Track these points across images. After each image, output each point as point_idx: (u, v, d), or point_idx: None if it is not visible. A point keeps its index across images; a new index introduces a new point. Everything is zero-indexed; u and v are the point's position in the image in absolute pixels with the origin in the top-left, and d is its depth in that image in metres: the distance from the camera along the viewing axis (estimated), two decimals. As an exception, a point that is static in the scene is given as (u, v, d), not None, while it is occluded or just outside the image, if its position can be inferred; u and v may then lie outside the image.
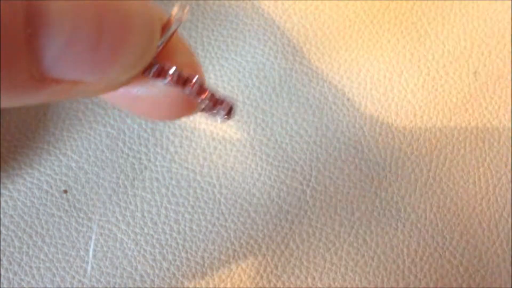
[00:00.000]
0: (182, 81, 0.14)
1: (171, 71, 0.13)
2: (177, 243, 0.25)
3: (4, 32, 0.10)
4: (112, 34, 0.11)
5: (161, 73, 0.13)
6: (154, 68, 0.13)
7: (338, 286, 0.25)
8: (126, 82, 0.13)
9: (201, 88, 0.14)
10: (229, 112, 0.15)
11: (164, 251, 0.24)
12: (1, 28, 0.10)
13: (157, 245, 0.25)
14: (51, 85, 0.11)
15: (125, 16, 0.11)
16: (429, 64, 0.28)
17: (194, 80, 0.14)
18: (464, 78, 0.28)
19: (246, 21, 0.28)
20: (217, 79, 0.27)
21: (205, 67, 0.27)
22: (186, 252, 0.25)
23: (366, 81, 0.27)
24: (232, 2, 0.28)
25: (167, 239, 0.25)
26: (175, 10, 0.13)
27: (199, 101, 0.14)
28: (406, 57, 0.28)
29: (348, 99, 0.27)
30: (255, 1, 0.28)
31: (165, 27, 0.13)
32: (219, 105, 0.15)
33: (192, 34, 0.27)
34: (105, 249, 0.24)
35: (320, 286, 0.25)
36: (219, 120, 0.16)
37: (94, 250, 0.24)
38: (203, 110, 0.15)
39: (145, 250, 0.24)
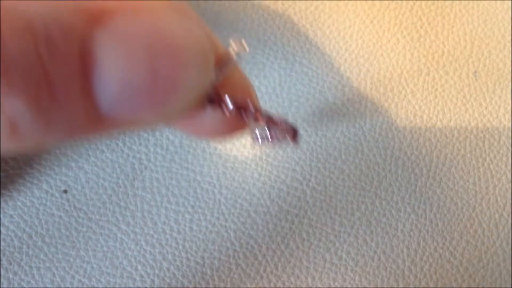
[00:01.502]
0: (238, 109, 0.14)
1: (227, 101, 0.13)
2: (177, 243, 0.25)
3: (59, 84, 0.10)
4: (166, 72, 0.11)
5: (217, 102, 0.13)
6: (211, 98, 0.13)
7: (338, 286, 0.25)
8: (183, 115, 0.13)
9: (257, 115, 0.14)
10: (294, 137, 0.15)
11: (164, 251, 0.24)
12: (56, 82, 0.10)
13: (157, 245, 0.25)
14: (108, 125, 0.11)
15: (178, 54, 0.11)
16: (429, 64, 0.28)
17: (249, 109, 0.14)
18: (464, 78, 0.28)
19: (246, 21, 0.28)
20: (217, 79, 0.27)
21: (205, 67, 0.27)
22: (186, 252, 0.25)
23: (366, 81, 0.27)
24: (232, 2, 0.28)
25: (167, 239, 0.25)
26: (232, 44, 0.13)
27: (256, 127, 0.14)
28: (406, 57, 0.28)
29: (348, 99, 0.27)
30: (255, 1, 0.28)
31: (224, 60, 0.13)
32: (280, 130, 0.15)
33: (192, 34, 0.27)
34: (105, 249, 0.24)
35: (320, 286, 0.25)
36: (286, 144, 0.16)
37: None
38: (267, 137, 0.15)
39: (145, 250, 0.24)
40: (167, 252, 0.24)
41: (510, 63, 0.28)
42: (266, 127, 0.15)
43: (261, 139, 0.16)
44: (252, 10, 0.28)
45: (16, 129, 0.10)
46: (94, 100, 0.11)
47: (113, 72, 0.10)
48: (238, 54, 0.13)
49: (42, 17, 0.10)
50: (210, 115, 0.14)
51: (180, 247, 0.25)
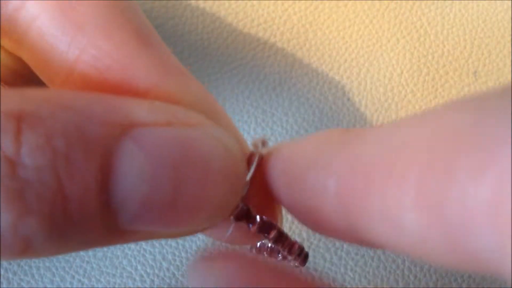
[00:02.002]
0: (263, 229, 0.13)
1: (257, 219, 0.13)
2: (177, 243, 0.25)
3: (75, 200, 0.09)
4: (190, 189, 0.10)
5: (244, 218, 0.13)
6: (237, 211, 0.12)
7: (338, 286, 0.25)
8: (207, 229, 0.13)
9: (278, 239, 0.14)
10: (303, 262, 0.15)
11: (164, 250, 0.24)
12: (73, 198, 0.09)
13: (157, 245, 0.25)
14: (127, 236, 0.11)
15: (206, 170, 0.11)
16: (429, 64, 0.28)
17: (273, 233, 0.13)
18: (464, 78, 0.28)
19: (246, 21, 0.28)
20: (217, 79, 0.27)
21: (204, 67, 0.27)
22: (186, 251, 0.25)
23: (366, 81, 0.27)
24: (232, 2, 0.28)
25: (167, 239, 0.25)
26: (254, 144, 0.13)
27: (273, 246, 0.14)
28: (406, 57, 0.28)
29: (348, 99, 0.27)
30: (255, 1, 0.28)
31: (250, 162, 0.13)
32: (292, 251, 0.14)
33: (192, 35, 0.27)
34: (105, 248, 0.24)
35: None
36: (291, 263, 0.15)
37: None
38: (273, 252, 0.15)
39: (145, 250, 0.24)
40: (167, 252, 0.24)
41: (510, 63, 0.28)
42: (280, 249, 0.14)
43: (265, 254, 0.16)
44: (252, 10, 0.28)
45: (29, 246, 0.09)
46: (112, 214, 0.10)
47: (134, 186, 0.10)
48: (261, 154, 0.13)
49: (65, 129, 0.09)
50: (231, 227, 0.13)
51: (180, 246, 0.25)
